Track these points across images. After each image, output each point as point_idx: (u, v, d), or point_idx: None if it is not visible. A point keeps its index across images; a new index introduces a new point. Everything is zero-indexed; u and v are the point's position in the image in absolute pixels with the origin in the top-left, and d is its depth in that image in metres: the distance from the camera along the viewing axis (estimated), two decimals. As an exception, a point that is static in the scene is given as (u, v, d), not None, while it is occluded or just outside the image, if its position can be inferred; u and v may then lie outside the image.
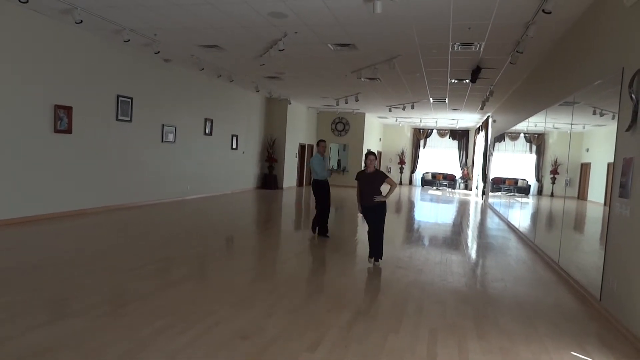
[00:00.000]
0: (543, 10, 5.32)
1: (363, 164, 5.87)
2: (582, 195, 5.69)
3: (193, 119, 11.85)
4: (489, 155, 15.29)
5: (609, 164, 4.53)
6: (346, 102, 15.08)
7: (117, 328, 3.33)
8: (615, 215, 4.21)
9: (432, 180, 23.45)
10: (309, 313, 3.90)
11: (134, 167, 9.65)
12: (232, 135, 14.03)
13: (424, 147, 24.23)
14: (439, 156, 23.95)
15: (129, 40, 7.88)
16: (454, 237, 8.48)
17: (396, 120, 21.41)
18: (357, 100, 14.79)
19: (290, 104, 16.32)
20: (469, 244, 7.98)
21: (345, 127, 20.31)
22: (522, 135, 10.09)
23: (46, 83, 7.41)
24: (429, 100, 14.11)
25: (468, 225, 10.42)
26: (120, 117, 9.12)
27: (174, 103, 10.92)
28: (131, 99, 9.39)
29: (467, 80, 10.16)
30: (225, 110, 13.46)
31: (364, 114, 19.68)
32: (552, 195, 7.29)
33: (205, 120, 12.42)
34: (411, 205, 14.89)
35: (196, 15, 6.77)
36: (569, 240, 5.91)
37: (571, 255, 5.67)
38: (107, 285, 4.38)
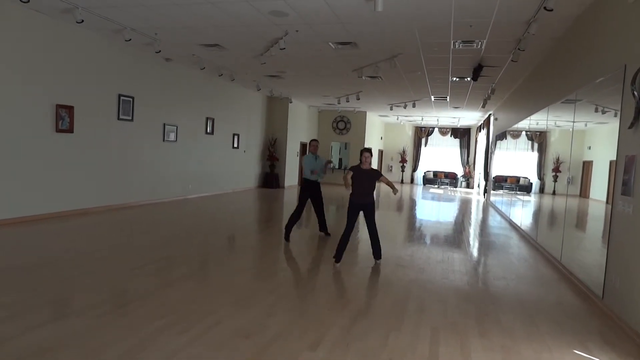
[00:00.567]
0: (545, 8, 5.29)
1: (359, 160, 5.71)
2: (584, 193, 5.67)
3: (194, 118, 11.85)
4: (491, 154, 15.25)
5: (611, 162, 4.51)
6: (347, 101, 15.06)
7: (118, 327, 3.33)
8: (617, 212, 4.19)
9: (434, 179, 23.40)
10: (310, 312, 3.90)
11: (135, 167, 9.66)
12: (234, 134, 14.03)
13: (425, 146, 24.16)
14: (440, 154, 23.88)
15: (130, 39, 7.89)
16: (456, 235, 8.45)
17: (397, 119, 21.37)
18: (359, 99, 14.77)
19: (291, 102, 16.30)
20: (471, 242, 7.96)
21: (346, 125, 20.28)
22: (523, 133, 10.06)
23: (47, 82, 7.42)
24: (431, 99, 14.08)
25: (470, 224, 10.39)
26: (121, 117, 9.13)
27: (175, 102, 10.93)
28: (132, 98, 9.39)
29: (469, 79, 10.13)
30: (227, 109, 13.46)
31: (365, 112, 19.64)
32: (554, 193, 7.27)
33: (207, 119, 12.42)
34: (413, 203, 14.86)
35: (197, 15, 6.76)
36: (571, 238, 5.89)
37: (573, 253, 5.66)
38: (107, 284, 4.38)
